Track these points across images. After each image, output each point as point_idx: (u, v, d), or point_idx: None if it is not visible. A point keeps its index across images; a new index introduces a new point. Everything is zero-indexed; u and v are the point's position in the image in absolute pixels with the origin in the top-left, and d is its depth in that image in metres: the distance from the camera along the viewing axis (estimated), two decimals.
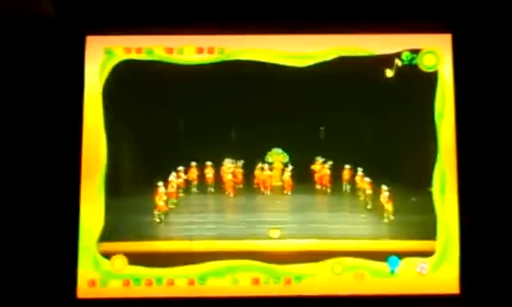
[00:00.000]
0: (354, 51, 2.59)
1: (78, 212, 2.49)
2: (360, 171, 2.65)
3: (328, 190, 2.69)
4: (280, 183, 2.70)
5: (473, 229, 2.49)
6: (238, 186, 2.69)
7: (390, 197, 2.59)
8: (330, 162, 2.65)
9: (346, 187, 2.69)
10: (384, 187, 2.61)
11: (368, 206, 2.64)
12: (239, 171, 2.68)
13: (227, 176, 2.68)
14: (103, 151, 2.55)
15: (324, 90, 2.60)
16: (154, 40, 2.58)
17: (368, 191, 2.64)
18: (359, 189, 2.67)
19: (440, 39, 2.58)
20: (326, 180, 2.68)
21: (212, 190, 2.69)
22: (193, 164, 2.66)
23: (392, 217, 2.58)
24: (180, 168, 2.64)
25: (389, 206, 2.59)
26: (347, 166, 2.66)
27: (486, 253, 2.48)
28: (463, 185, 2.53)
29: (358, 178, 2.66)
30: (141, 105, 2.59)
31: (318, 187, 2.68)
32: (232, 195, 2.68)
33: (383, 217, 2.60)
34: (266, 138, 2.63)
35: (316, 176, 2.69)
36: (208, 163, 2.67)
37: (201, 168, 2.68)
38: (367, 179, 2.65)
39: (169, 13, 2.56)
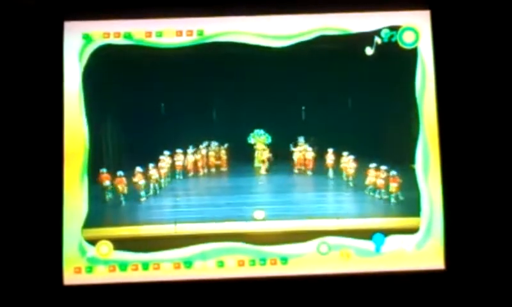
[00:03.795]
0: (333, 30, 2.58)
1: (62, 199, 2.48)
2: (342, 150, 2.66)
3: (310, 171, 2.72)
4: (262, 165, 2.71)
5: (457, 205, 2.49)
6: (222, 168, 2.72)
7: (374, 175, 2.61)
8: (309, 145, 2.68)
9: (328, 167, 2.70)
10: (369, 165, 2.63)
11: (352, 185, 2.67)
12: (222, 153, 2.70)
13: (209, 159, 2.71)
14: (84, 137, 2.53)
15: (304, 70, 2.59)
16: (132, 24, 2.57)
17: (351, 170, 2.66)
18: (341, 168, 2.69)
19: (419, 16, 2.57)
20: (308, 161, 2.71)
21: (194, 173, 2.71)
22: (166, 153, 2.67)
23: (376, 195, 2.60)
24: (161, 157, 2.66)
25: (372, 183, 2.61)
26: (329, 149, 2.68)
27: (470, 228, 2.48)
28: (445, 161, 2.52)
29: (340, 157, 2.67)
30: (122, 90, 2.58)
31: (300, 167, 2.71)
32: (214, 177, 2.70)
33: (366, 195, 2.61)
34: (248, 120, 2.63)
35: (297, 157, 2.70)
36: (183, 149, 2.70)
37: (182, 152, 2.70)
38: (350, 157, 2.66)
39: None
